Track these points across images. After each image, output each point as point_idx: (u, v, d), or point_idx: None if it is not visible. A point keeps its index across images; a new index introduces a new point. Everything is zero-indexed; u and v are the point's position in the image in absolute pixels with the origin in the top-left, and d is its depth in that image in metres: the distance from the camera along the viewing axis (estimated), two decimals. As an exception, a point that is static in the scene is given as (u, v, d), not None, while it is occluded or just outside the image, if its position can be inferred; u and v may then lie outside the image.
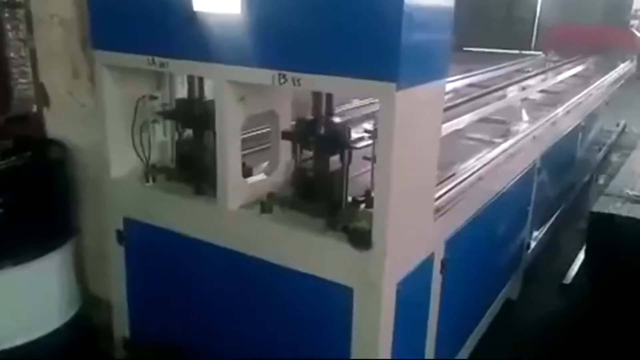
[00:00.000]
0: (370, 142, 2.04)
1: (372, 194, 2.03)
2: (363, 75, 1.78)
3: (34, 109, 3.06)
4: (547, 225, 4.50)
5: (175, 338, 2.54)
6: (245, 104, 2.18)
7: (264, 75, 1.96)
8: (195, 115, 2.45)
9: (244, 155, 2.33)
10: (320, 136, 2.16)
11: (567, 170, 5.03)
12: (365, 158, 2.02)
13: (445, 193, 2.42)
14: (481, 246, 2.93)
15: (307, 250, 2.07)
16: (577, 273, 4.28)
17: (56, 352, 2.92)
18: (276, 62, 1.94)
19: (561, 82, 5.54)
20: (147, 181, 2.49)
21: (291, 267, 2.10)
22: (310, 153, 2.28)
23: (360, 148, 2.09)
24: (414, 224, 2.10)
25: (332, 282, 2.02)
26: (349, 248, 1.95)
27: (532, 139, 3.48)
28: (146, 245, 2.55)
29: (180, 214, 2.37)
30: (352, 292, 1.99)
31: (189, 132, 2.55)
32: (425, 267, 2.26)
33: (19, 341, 2.73)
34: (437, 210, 2.29)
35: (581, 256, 4.40)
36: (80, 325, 3.05)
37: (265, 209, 2.18)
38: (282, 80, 1.93)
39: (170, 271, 2.50)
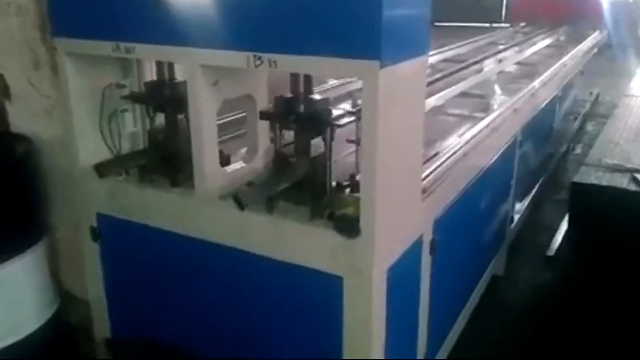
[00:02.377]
0: (353, 118, 1.95)
1: (358, 178, 1.95)
2: (344, 54, 1.68)
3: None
4: (529, 197, 4.48)
5: (158, 335, 2.44)
6: (220, 88, 2.07)
7: (238, 58, 1.85)
8: (166, 98, 2.31)
9: (220, 143, 2.22)
10: (300, 114, 2.04)
11: (546, 142, 5.01)
12: (348, 141, 1.93)
13: (431, 173, 2.35)
14: (468, 224, 2.88)
15: (292, 240, 1.98)
16: (560, 244, 4.27)
17: (34, 356, 2.80)
18: (250, 43, 1.83)
19: (535, 53, 5.49)
20: (119, 174, 2.37)
21: (276, 258, 2.01)
22: (290, 137, 2.17)
23: (343, 126, 1.99)
24: (402, 206, 2.03)
25: (320, 272, 1.94)
26: (337, 236, 1.87)
27: (513, 112, 3.43)
28: (122, 241, 2.44)
29: (156, 208, 2.26)
30: (341, 281, 1.91)
31: (161, 121, 2.42)
32: (414, 250, 2.19)
33: (-6, 347, 2.60)
34: (424, 190, 2.21)
35: (563, 227, 4.40)
36: (58, 327, 2.93)
37: (246, 198, 2.07)
38: (257, 63, 1.82)
39: (149, 267, 2.39)
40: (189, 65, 2.00)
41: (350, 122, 1.99)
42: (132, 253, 2.43)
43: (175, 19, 1.95)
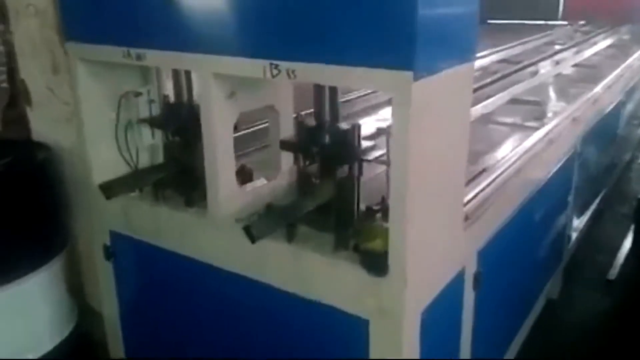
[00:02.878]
0: (384, 152, 1.71)
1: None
2: (371, 64, 1.43)
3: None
4: (588, 213, 4.10)
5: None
6: (237, 100, 1.85)
7: (253, 67, 1.62)
8: (184, 121, 2.12)
9: (244, 156, 2.01)
10: (324, 146, 1.82)
11: (608, 151, 4.60)
12: (379, 161, 1.68)
13: (477, 195, 2.07)
14: (519, 250, 2.57)
15: (313, 273, 1.75)
16: (622, 266, 3.88)
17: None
18: (267, 51, 1.60)
19: (595, 54, 5.09)
20: (133, 190, 2.18)
21: (295, 292, 1.78)
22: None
23: (372, 161, 1.77)
24: (441, 237, 1.76)
25: (343, 312, 1.69)
26: (362, 272, 1.62)
27: (572, 121, 3.09)
28: (135, 262, 2.26)
29: (169, 228, 2.07)
30: (367, 324, 1.66)
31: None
32: (455, 286, 1.92)
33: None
34: (467, 217, 1.94)
35: (627, 246, 4.01)
36: (78, 343, 2.78)
37: (264, 223, 1.85)
38: (274, 72, 1.59)
39: (162, 290, 2.20)
40: (202, 75, 1.79)
41: (381, 157, 1.75)
42: (145, 274, 2.25)
43: (187, 24, 1.75)
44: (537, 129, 2.92)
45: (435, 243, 1.72)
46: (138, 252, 2.20)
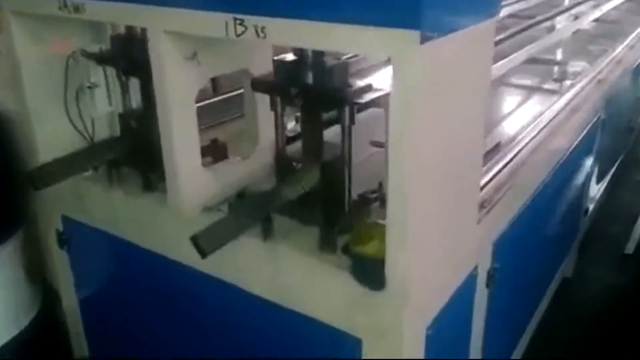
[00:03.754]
0: (382, 92, 1.35)
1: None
2: (362, 20, 1.07)
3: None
4: (605, 181, 3.75)
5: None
6: (200, 63, 1.49)
7: (213, 22, 1.26)
8: (138, 58, 1.65)
9: (216, 127, 1.67)
10: (307, 87, 1.42)
11: (627, 115, 4.22)
12: (374, 144, 1.34)
13: (493, 177, 1.73)
14: (536, 235, 2.24)
15: (293, 278, 1.43)
16: (640, 239, 3.56)
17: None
18: (229, 2, 1.24)
19: (614, 8, 4.65)
20: (85, 170, 1.84)
21: (271, 299, 1.47)
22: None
23: (367, 105, 1.37)
24: (452, 234, 1.43)
25: (329, 327, 1.38)
26: (353, 282, 1.30)
27: (597, 84, 2.72)
28: (93, 252, 1.94)
29: (126, 217, 1.74)
30: (359, 343, 1.34)
31: (138, 100, 1.86)
32: (466, 289, 1.60)
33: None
34: (482, 205, 1.61)
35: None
36: (42, 328, 2.49)
37: (236, 213, 1.52)
38: (239, 30, 1.23)
39: (125, 285, 1.89)
40: (152, 33, 1.43)
41: (377, 99, 1.37)
42: (103, 266, 1.94)
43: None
44: (557, 92, 2.56)
45: (445, 242, 1.39)
46: (94, 241, 1.89)
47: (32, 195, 2.27)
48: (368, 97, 1.32)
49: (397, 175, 1.16)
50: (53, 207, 1.97)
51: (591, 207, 3.38)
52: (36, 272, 2.41)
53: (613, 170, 3.94)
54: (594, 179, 3.22)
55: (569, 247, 3.02)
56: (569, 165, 2.45)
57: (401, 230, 1.20)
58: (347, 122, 1.35)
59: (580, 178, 2.86)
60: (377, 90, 1.35)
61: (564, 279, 3.07)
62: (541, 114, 2.24)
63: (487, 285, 1.74)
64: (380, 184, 1.54)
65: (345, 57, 1.47)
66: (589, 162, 2.91)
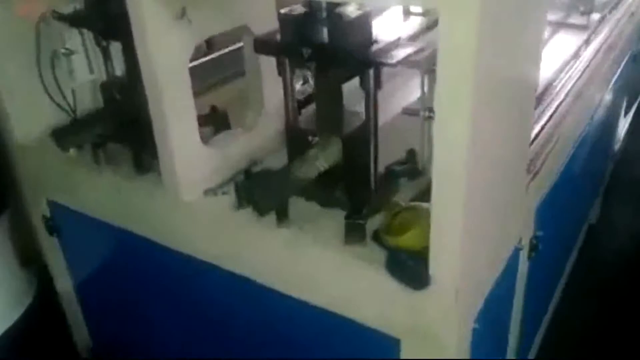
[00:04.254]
0: (415, 48, 1.11)
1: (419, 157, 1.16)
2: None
3: None
4: (630, 115, 3.49)
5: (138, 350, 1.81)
6: (191, 21, 1.24)
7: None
8: (119, 17, 1.31)
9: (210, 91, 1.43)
10: (319, 46, 1.15)
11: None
12: (407, 111, 1.11)
13: (538, 134, 1.51)
14: (573, 190, 2.04)
15: (314, 271, 1.23)
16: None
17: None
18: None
19: None
20: (66, 149, 1.62)
21: (289, 293, 1.27)
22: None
23: (397, 64, 1.11)
24: (502, 211, 1.22)
25: (360, 325, 1.19)
26: (388, 277, 1.10)
27: (630, 17, 2.45)
28: (85, 240, 1.74)
29: (118, 203, 1.52)
30: (398, 344, 1.16)
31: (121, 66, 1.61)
32: (510, 266, 1.40)
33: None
34: (529, 169, 1.39)
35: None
36: (40, 314, 2.32)
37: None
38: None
39: (123, 275, 1.70)
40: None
41: (410, 58, 1.13)
42: (97, 254, 1.74)
43: None
44: (585, 27, 2.29)
45: (496, 221, 1.18)
46: (85, 228, 1.68)
47: (13, 177, 2.06)
48: (399, 55, 1.08)
49: (446, 150, 0.93)
50: (36, 191, 1.76)
51: (617, 147, 3.16)
52: (30, 258, 2.23)
53: (638, 102, 3.68)
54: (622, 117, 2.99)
55: (596, 193, 2.83)
56: (605, 109, 2.22)
57: (453, 215, 0.97)
58: (372, 86, 1.12)
59: (613, 120, 2.62)
60: (408, 45, 1.10)
61: (589, 225, 2.89)
62: (575, 54, 1.99)
63: (529, 257, 1.54)
64: (410, 153, 1.32)
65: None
66: (622, 101, 2.67)
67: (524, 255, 1.51)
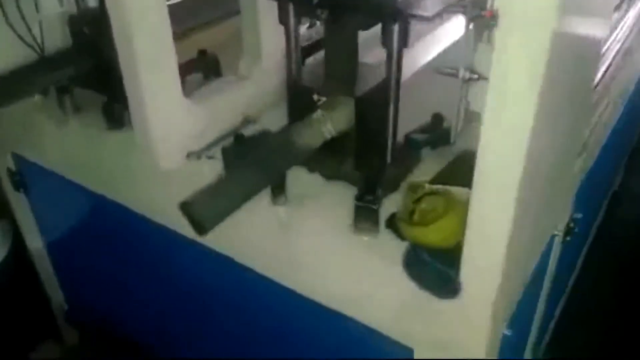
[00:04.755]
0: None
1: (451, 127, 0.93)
2: None
3: None
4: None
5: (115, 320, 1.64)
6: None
7: None
8: None
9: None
10: None
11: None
12: (442, 72, 0.87)
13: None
14: (608, 162, 1.81)
15: (314, 259, 1.02)
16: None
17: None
18: None
19: None
20: (32, 94, 1.38)
21: (284, 283, 1.07)
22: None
23: (432, 18, 0.87)
24: (547, 202, 1.00)
25: (366, 328, 0.99)
26: (402, 275, 0.89)
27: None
28: (53, 198, 1.53)
29: (86, 160, 1.30)
30: (410, 354, 0.96)
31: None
32: (543, 256, 1.20)
33: None
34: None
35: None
36: (12, 270, 2.15)
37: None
38: None
39: (94, 238, 1.51)
40: None
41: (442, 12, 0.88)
42: (67, 214, 1.53)
43: None
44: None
45: (542, 210, 0.96)
46: (54, 188, 1.47)
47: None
48: (433, 7, 0.83)
49: (502, 127, 0.70)
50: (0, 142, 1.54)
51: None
52: (4, 211, 2.03)
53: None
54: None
55: (623, 159, 2.61)
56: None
57: (501, 209, 0.74)
58: (396, 43, 0.88)
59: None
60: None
61: (613, 192, 2.68)
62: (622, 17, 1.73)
63: (563, 241, 1.33)
64: (436, 118, 1.09)
65: None
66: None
67: (558, 241, 1.29)
